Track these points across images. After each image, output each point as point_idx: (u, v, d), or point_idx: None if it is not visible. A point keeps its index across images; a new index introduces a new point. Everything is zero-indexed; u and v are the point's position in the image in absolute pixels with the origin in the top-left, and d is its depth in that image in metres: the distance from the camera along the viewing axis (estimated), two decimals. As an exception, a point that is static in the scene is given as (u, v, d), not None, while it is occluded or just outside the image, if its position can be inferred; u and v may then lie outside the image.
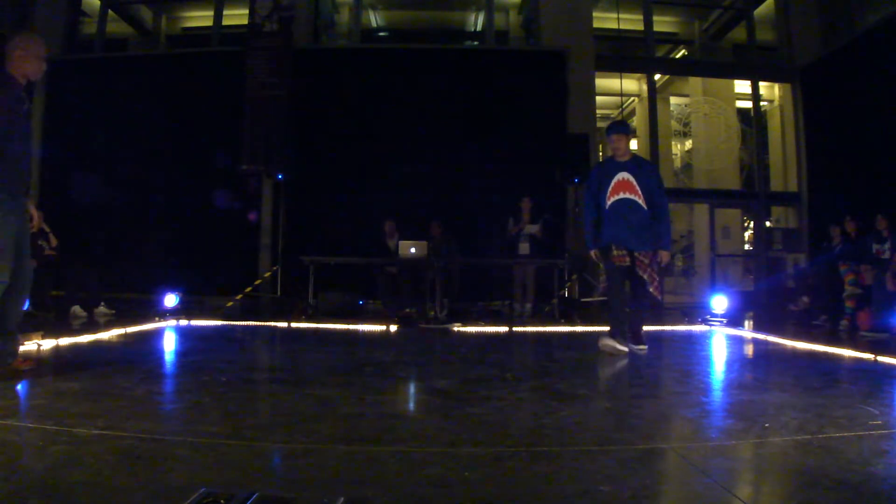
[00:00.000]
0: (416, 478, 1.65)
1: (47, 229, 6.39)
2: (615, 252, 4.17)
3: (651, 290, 4.13)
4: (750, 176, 11.74)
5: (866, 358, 4.04)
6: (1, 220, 2.84)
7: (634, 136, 4.67)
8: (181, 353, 4.26)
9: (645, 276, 4.12)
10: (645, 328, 4.43)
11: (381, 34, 12.22)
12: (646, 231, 4.11)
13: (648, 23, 10.39)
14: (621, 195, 4.14)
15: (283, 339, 5.21)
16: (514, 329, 5.92)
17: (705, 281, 10.65)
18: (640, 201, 4.11)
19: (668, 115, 11.86)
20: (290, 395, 2.72)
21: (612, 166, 4.25)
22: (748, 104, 10.79)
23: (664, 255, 4.18)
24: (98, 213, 8.64)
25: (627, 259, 4.15)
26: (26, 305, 3.32)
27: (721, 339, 5.46)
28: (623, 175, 4.16)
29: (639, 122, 13.48)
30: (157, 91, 9.26)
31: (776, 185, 10.64)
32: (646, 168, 4.27)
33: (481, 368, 3.54)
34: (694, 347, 4.89)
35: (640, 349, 4.18)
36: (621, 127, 4.38)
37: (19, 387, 2.86)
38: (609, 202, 4.18)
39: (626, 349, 4.12)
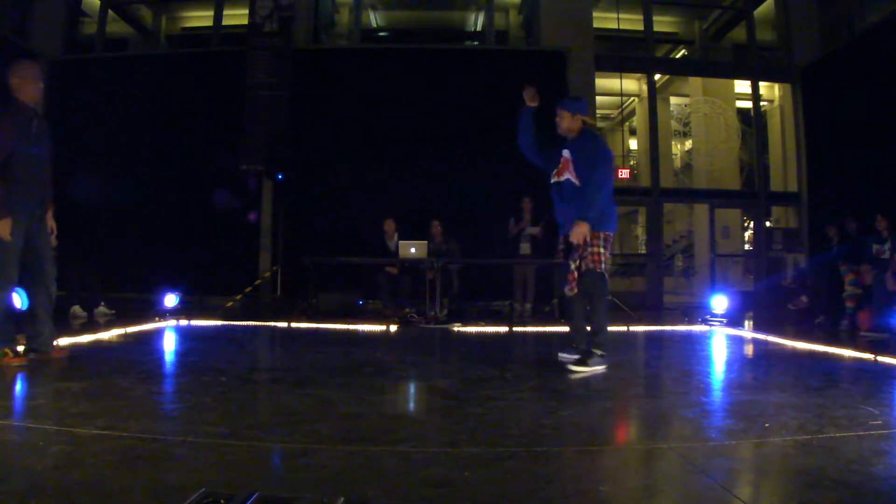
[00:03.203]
0: (416, 478, 1.65)
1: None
2: (560, 247, 3.74)
3: (566, 285, 3.54)
4: (750, 176, 11.74)
5: (866, 358, 4.04)
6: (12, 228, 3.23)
7: (582, 114, 3.71)
8: (181, 353, 4.26)
9: (579, 263, 3.52)
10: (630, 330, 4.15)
11: (381, 34, 12.22)
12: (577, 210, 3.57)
13: (648, 23, 10.39)
14: (561, 177, 3.67)
15: (283, 339, 5.21)
16: (514, 329, 5.92)
17: (705, 281, 10.66)
18: (575, 181, 3.58)
19: (668, 115, 11.86)
20: (290, 395, 2.72)
21: (562, 142, 3.74)
22: (748, 104, 10.78)
23: (579, 227, 3.43)
24: (98, 213, 8.62)
25: (564, 254, 3.68)
26: (27, 304, 3.56)
27: (721, 339, 5.46)
28: (565, 153, 3.66)
29: (639, 122, 13.49)
30: (157, 91, 9.25)
31: (776, 185, 10.63)
32: (585, 143, 3.63)
33: (481, 368, 3.54)
34: (694, 347, 4.89)
35: (575, 371, 3.35)
36: (563, 102, 3.76)
37: (19, 387, 2.86)
38: (552, 182, 3.73)
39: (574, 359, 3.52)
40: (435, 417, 2.49)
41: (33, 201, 3.39)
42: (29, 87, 3.40)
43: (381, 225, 7.74)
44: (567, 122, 3.69)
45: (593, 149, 3.58)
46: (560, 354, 3.74)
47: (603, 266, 3.51)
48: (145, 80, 9.39)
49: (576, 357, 3.52)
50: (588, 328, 3.64)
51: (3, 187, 3.20)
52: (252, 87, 8.93)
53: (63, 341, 4.08)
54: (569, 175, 3.61)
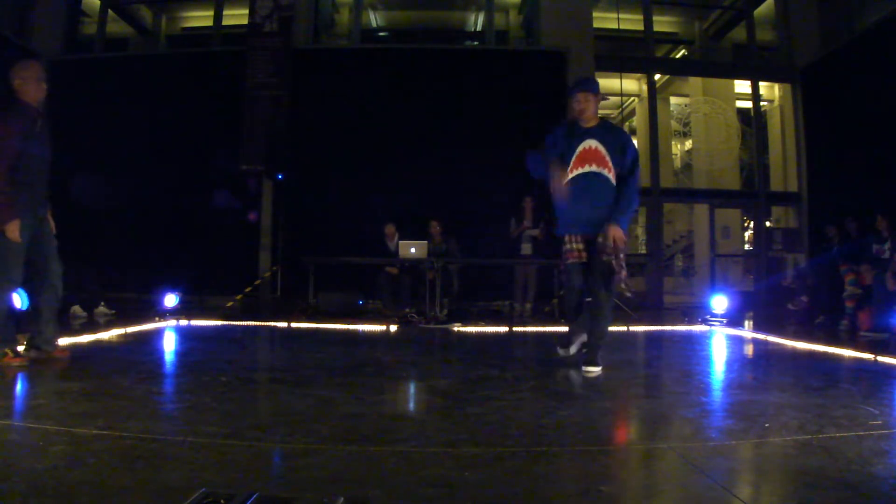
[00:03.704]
0: (416, 478, 1.65)
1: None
2: (571, 246, 3.47)
3: (621, 282, 3.31)
4: (750, 176, 11.73)
5: (866, 358, 4.04)
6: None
7: (602, 99, 3.57)
8: (181, 353, 4.26)
9: (613, 263, 3.27)
10: (643, 329, 4.18)
11: (381, 34, 12.22)
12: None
13: (648, 23, 10.38)
14: (587, 168, 3.36)
15: (283, 339, 5.21)
16: (514, 329, 5.92)
17: (705, 281, 10.66)
18: (611, 175, 3.35)
19: (668, 115, 11.86)
20: (290, 395, 2.72)
21: (578, 131, 3.45)
22: (748, 104, 10.78)
23: (613, 230, 3.24)
24: (98, 213, 8.63)
25: (585, 254, 3.44)
26: (27, 305, 3.59)
27: (721, 339, 5.46)
28: (590, 142, 3.38)
29: (639, 122, 13.49)
30: (157, 91, 9.25)
31: (776, 185, 10.63)
32: (617, 135, 3.48)
33: (481, 368, 3.54)
34: (694, 347, 4.89)
35: (590, 371, 3.29)
36: (587, 84, 3.51)
37: (19, 387, 2.86)
38: (571, 175, 3.39)
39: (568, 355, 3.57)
40: (435, 417, 2.49)
41: (38, 201, 3.40)
42: (32, 87, 3.40)
43: (381, 226, 7.74)
44: (593, 106, 3.45)
45: (634, 147, 3.42)
46: (584, 368, 3.33)
47: None
48: (145, 80, 9.39)
49: (588, 358, 3.39)
50: (591, 328, 3.50)
51: (11, 189, 3.20)
52: (252, 87, 8.94)
53: (63, 341, 4.08)
54: (599, 167, 3.35)
